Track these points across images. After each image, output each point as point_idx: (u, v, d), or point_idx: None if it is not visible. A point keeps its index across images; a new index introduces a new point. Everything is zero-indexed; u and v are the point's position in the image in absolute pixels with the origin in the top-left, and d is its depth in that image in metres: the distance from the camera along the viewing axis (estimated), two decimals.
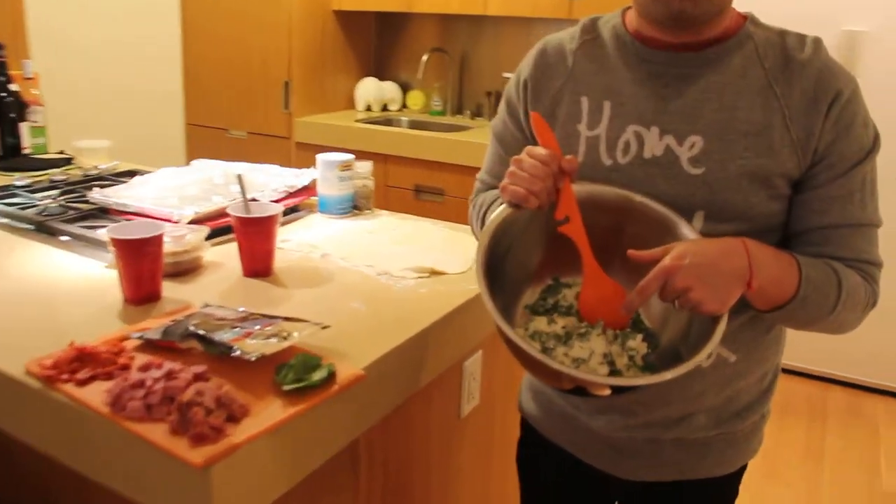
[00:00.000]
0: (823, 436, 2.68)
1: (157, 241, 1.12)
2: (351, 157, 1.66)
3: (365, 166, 1.71)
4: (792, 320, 0.94)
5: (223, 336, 0.91)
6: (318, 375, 0.88)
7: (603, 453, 1.08)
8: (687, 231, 0.90)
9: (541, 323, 0.92)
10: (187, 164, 1.83)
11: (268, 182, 1.69)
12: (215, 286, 1.22)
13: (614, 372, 0.87)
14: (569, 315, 0.94)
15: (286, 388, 0.86)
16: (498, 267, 0.91)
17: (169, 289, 1.18)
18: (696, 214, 0.92)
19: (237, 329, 0.93)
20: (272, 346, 0.90)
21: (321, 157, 1.65)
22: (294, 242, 1.45)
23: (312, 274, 1.29)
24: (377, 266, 1.33)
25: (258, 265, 1.26)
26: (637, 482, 1.08)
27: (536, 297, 0.97)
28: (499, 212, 0.92)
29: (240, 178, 1.29)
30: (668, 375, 0.80)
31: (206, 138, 3.65)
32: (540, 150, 0.90)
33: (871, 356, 2.93)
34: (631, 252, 0.86)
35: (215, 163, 1.85)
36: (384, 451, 1.12)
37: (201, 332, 0.92)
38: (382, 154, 3.14)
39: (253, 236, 1.24)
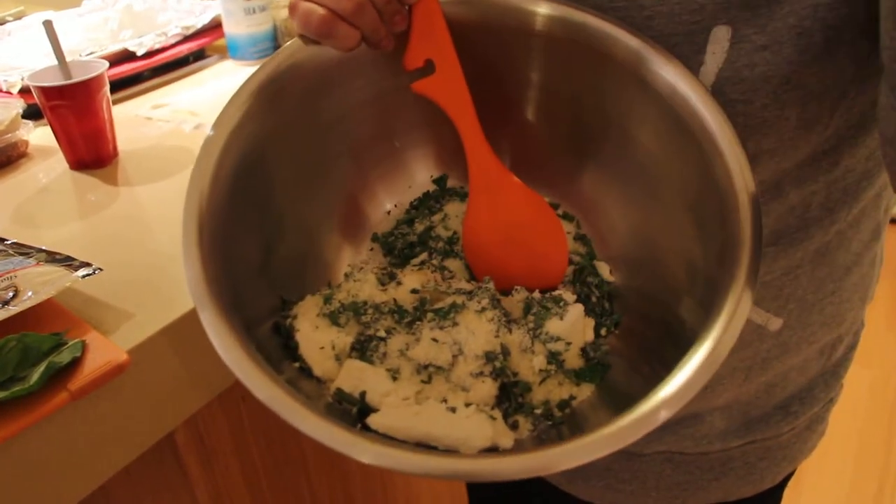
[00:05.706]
0: None
1: None
2: None
3: None
4: None
5: None
6: (38, 373, 0.53)
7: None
8: (662, 69, 0.45)
9: (364, 284, 0.49)
10: None
11: (170, 21, 1.30)
12: (24, 189, 0.86)
13: (509, 391, 0.45)
14: (451, 256, 0.52)
15: None
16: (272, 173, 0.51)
17: None
18: (715, 31, 0.45)
19: None
20: None
21: None
22: (170, 108, 1.06)
23: (169, 157, 0.91)
24: None
25: (83, 154, 0.88)
26: None
27: (400, 218, 0.56)
28: (280, 58, 0.49)
29: (47, 26, 0.89)
30: (602, 450, 0.36)
31: None
32: None
33: None
34: None
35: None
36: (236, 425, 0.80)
37: None
38: None
39: (65, 113, 0.86)
